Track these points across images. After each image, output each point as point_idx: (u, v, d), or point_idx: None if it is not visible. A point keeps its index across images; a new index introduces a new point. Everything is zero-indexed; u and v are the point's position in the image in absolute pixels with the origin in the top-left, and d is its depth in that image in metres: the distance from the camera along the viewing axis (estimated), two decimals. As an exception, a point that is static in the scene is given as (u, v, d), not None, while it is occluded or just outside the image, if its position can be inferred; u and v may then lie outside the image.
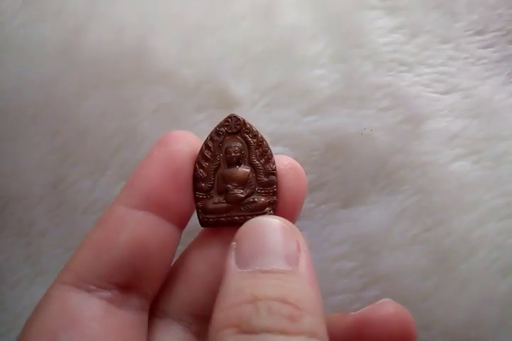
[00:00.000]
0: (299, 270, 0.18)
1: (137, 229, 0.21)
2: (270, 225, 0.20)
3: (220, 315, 0.17)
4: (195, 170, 0.23)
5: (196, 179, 0.23)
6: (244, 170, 0.23)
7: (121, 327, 0.21)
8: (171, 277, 0.23)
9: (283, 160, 0.23)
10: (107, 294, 0.21)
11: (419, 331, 0.22)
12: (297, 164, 0.23)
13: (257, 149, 0.23)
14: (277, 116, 0.27)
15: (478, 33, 0.32)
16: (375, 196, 0.30)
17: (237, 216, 0.22)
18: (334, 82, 0.31)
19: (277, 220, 0.20)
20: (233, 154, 0.23)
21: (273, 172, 0.23)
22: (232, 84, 0.31)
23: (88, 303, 0.20)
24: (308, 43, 0.31)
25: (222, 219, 0.23)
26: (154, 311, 0.22)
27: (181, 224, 0.23)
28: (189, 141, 0.23)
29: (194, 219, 0.23)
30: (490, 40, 0.32)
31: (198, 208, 0.23)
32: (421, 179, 0.30)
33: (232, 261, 0.19)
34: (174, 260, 0.23)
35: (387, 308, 0.22)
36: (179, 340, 0.22)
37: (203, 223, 0.23)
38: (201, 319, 0.22)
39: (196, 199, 0.23)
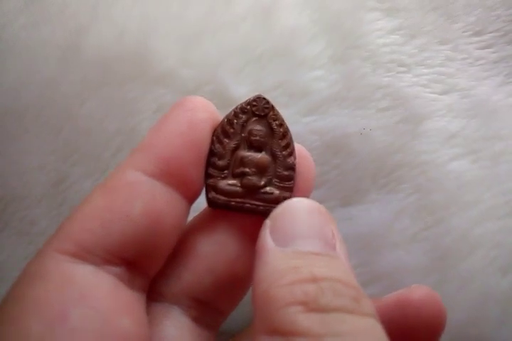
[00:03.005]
0: (339, 255, 0.18)
1: (153, 200, 0.19)
2: (307, 207, 0.19)
3: (280, 292, 0.16)
4: (212, 143, 0.21)
5: (211, 154, 0.21)
6: (266, 157, 0.21)
7: (133, 306, 0.19)
8: (171, 257, 0.21)
9: (300, 152, 0.22)
10: (115, 269, 0.18)
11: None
12: (312, 161, 0.22)
13: (282, 140, 0.21)
14: (277, 116, 0.27)
15: (476, 33, 0.32)
16: (375, 195, 0.30)
17: (249, 204, 0.21)
18: (333, 83, 0.31)
19: (314, 203, 0.19)
20: (259, 138, 0.21)
21: (293, 168, 0.21)
22: (232, 84, 0.31)
23: (97, 277, 0.18)
24: (307, 44, 0.31)
25: (232, 203, 0.21)
26: (151, 294, 0.20)
27: (191, 200, 0.21)
28: (212, 110, 0.21)
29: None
30: (488, 41, 0.32)
31: (207, 186, 0.21)
32: (420, 178, 0.30)
33: (268, 239, 0.18)
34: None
35: (419, 292, 0.22)
36: (178, 324, 0.20)
37: (211, 203, 0.21)
38: (200, 303, 0.21)
39: (207, 176, 0.21)
